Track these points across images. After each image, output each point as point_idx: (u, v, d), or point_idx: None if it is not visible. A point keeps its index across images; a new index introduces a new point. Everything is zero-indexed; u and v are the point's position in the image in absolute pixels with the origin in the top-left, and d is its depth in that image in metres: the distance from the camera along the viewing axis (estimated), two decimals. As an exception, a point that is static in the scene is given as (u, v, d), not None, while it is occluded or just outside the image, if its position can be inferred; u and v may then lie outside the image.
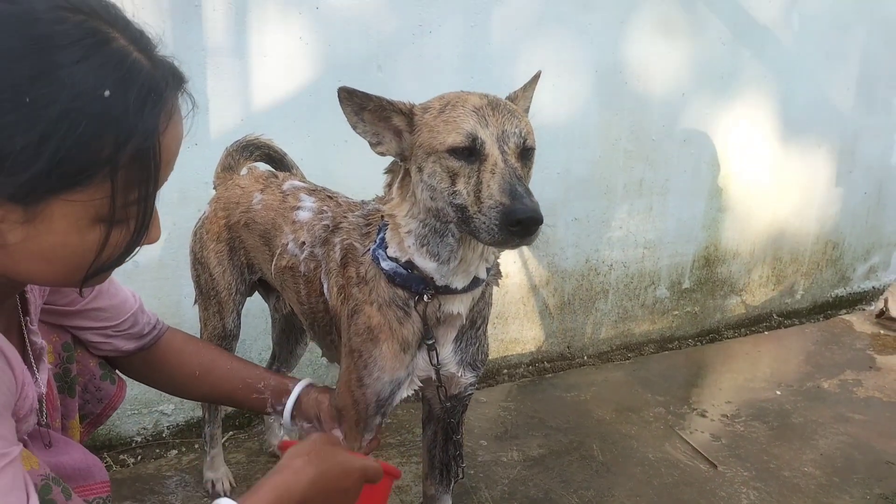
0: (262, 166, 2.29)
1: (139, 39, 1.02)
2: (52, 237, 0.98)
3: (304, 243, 1.82)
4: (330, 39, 2.69)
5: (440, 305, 1.55)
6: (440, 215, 1.45)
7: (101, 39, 0.96)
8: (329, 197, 1.91)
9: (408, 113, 1.48)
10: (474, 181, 1.36)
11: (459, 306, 1.57)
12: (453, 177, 1.39)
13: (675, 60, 3.55)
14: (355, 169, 2.75)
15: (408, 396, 1.67)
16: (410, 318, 1.57)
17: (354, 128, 1.49)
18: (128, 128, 0.96)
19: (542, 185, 3.25)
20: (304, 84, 2.67)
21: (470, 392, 1.76)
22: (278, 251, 1.89)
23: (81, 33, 0.94)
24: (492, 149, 1.37)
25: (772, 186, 4.13)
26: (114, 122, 0.95)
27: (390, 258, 1.54)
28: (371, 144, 1.51)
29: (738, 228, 4.08)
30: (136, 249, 1.08)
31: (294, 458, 1.25)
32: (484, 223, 1.32)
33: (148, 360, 1.60)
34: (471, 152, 1.38)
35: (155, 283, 2.58)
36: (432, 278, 1.51)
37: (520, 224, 1.29)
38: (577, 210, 3.48)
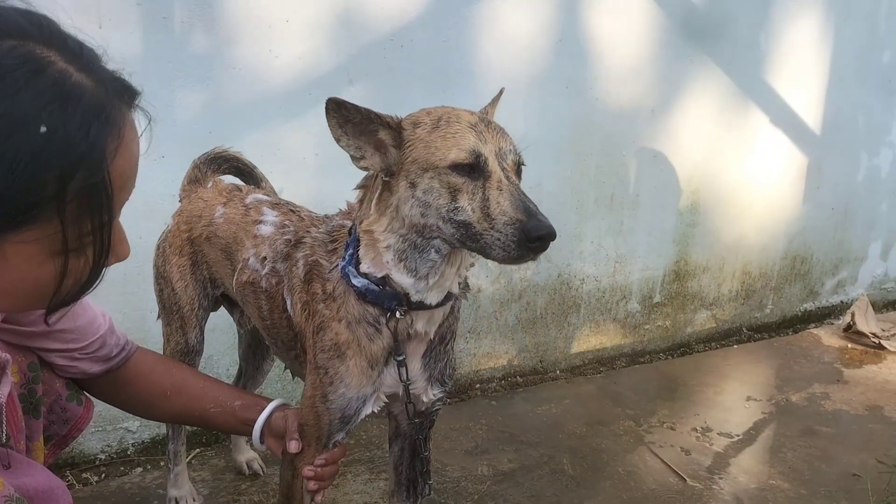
0: (230, 179, 2.27)
1: (79, 57, 0.94)
2: (9, 273, 0.95)
3: (265, 258, 1.80)
4: (300, 53, 2.69)
5: (412, 321, 1.54)
6: (426, 231, 1.43)
7: (36, 67, 0.88)
8: (292, 211, 1.89)
9: (395, 127, 1.45)
10: (480, 197, 1.35)
11: (430, 322, 1.57)
12: (454, 193, 1.37)
13: (644, 77, 3.59)
14: (325, 183, 2.75)
15: (374, 413, 1.65)
16: (380, 335, 1.55)
17: (338, 141, 1.45)
18: (72, 161, 0.90)
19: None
20: (274, 97, 2.66)
21: (437, 408, 1.74)
22: (239, 266, 1.87)
23: (12, 63, 0.87)
24: (494, 165, 1.38)
25: (741, 202, 4.18)
26: (55, 157, 0.89)
27: (361, 274, 1.52)
28: (353, 158, 1.48)
29: (708, 243, 4.13)
30: (101, 275, 1.05)
31: None
32: (499, 240, 1.32)
33: (117, 380, 1.56)
34: (473, 168, 1.37)
35: (120, 298, 2.54)
36: (407, 294, 1.50)
37: (539, 240, 1.30)
38: (548, 224, 3.49)
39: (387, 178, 1.48)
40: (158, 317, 2.18)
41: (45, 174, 0.88)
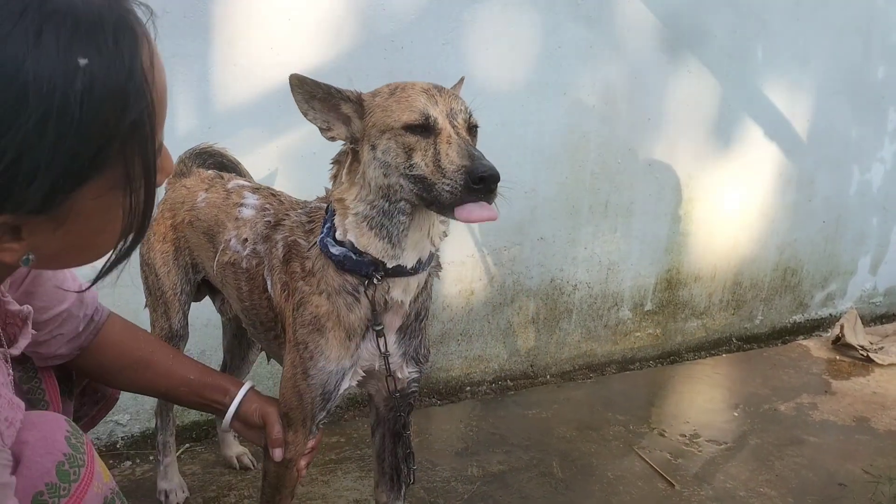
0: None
1: None
2: (90, 224, 0.90)
3: (246, 240, 1.85)
4: (300, 50, 2.70)
5: (389, 289, 1.59)
6: (390, 193, 1.52)
7: (35, 1, 0.78)
8: (272, 195, 1.95)
9: (356, 100, 1.56)
10: (432, 152, 1.45)
11: (406, 291, 1.61)
12: (409, 151, 1.47)
13: (641, 86, 3.62)
14: (323, 181, 2.75)
15: (353, 387, 1.68)
16: (359, 304, 1.60)
17: (305, 115, 1.57)
18: (118, 89, 0.82)
19: (509, 204, 3.26)
20: (273, 94, 2.67)
21: (414, 389, 1.78)
22: (221, 247, 1.91)
23: (8, 9, 0.77)
24: (444, 123, 1.48)
25: (733, 212, 4.21)
26: (102, 91, 0.80)
27: (338, 244, 1.58)
28: (321, 130, 1.59)
29: (700, 253, 4.15)
30: (155, 202, 0.97)
31: None
32: (447, 186, 1.41)
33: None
34: (425, 128, 1.47)
35: (113, 290, 2.53)
36: (382, 261, 1.55)
37: (482, 181, 1.38)
38: (543, 229, 3.52)
39: (353, 146, 1.58)
40: (146, 305, 2.20)
41: (99, 114, 0.81)
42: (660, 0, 3.56)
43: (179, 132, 2.52)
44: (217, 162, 2.31)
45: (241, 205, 1.92)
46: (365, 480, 2.55)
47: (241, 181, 2.09)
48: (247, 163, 2.47)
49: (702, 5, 3.72)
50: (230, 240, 1.89)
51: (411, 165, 1.47)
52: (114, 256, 0.95)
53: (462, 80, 1.81)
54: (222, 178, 2.11)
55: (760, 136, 4.16)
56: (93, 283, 0.98)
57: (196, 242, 2.04)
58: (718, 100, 3.93)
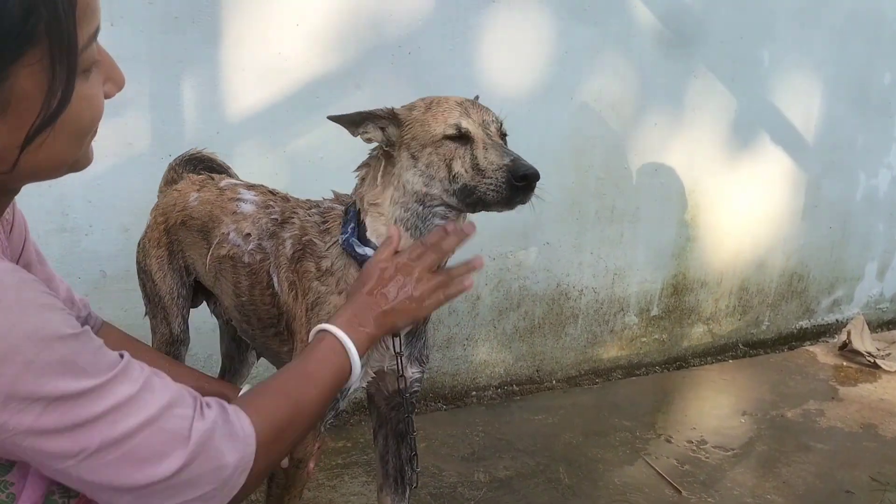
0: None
1: None
2: (33, 112, 0.89)
3: (249, 235, 1.84)
4: (308, 56, 2.71)
5: None
6: (426, 199, 1.56)
7: None
8: (271, 192, 1.96)
9: (388, 115, 1.60)
10: (469, 157, 1.51)
11: None
12: (449, 162, 1.52)
13: (647, 91, 3.62)
14: (330, 184, 2.76)
15: (364, 403, 1.67)
16: None
17: (353, 135, 1.61)
18: None
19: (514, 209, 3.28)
20: (281, 99, 2.68)
21: (416, 389, 1.79)
22: (216, 240, 1.90)
23: None
24: (477, 132, 1.53)
25: (740, 218, 4.20)
26: None
27: (363, 244, 1.60)
28: (361, 134, 1.63)
29: (706, 258, 4.15)
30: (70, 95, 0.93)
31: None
32: (491, 184, 1.46)
33: None
34: (460, 138, 1.53)
35: (122, 294, 2.54)
36: None
37: (525, 179, 1.44)
38: (549, 234, 3.51)
39: (387, 149, 1.61)
40: (146, 313, 2.19)
41: None
42: (666, 5, 3.56)
43: (187, 137, 2.52)
44: (207, 167, 2.30)
45: (239, 199, 1.92)
46: (372, 485, 2.55)
47: (233, 179, 2.10)
48: (254, 167, 2.47)
49: (708, 11, 3.72)
50: (228, 233, 1.88)
51: (454, 177, 1.52)
52: (38, 121, 0.92)
53: (476, 98, 1.82)
54: (213, 178, 2.12)
55: (767, 142, 4.16)
56: (21, 150, 0.93)
57: (189, 241, 2.03)
58: (724, 105, 3.92)
